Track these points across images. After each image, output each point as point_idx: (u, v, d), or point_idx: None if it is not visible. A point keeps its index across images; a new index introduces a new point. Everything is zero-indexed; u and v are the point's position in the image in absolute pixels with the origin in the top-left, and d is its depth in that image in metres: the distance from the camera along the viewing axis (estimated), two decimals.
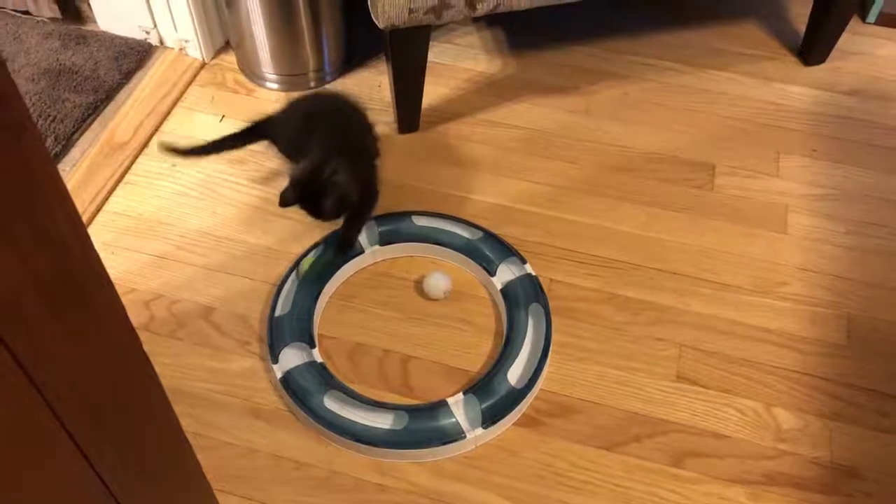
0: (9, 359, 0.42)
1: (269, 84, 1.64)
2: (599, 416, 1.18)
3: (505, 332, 1.26)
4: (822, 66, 1.73)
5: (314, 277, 1.30)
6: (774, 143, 1.57)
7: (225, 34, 1.70)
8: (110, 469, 0.54)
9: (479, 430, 1.14)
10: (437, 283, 1.30)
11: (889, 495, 1.11)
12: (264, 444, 1.14)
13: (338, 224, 1.31)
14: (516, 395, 1.17)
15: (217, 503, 0.87)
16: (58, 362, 0.46)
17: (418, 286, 1.33)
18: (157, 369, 0.60)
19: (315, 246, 1.34)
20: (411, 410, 1.16)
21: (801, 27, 1.75)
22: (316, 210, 1.25)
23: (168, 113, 1.58)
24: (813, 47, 1.71)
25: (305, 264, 1.31)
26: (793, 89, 1.68)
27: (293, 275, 1.30)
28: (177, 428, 0.66)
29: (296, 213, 1.42)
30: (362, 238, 1.34)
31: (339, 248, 1.32)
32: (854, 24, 1.79)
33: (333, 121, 1.38)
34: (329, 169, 1.24)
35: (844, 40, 1.72)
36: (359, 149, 1.35)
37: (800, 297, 1.33)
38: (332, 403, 1.16)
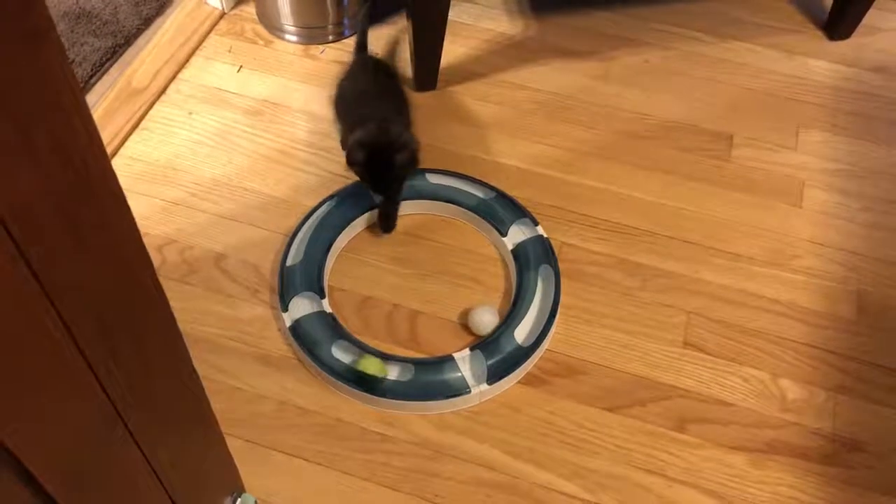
0: (25, 269, 0.42)
1: (287, 36, 1.63)
2: (604, 379, 1.19)
3: (514, 291, 1.26)
4: (846, 41, 1.71)
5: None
6: (794, 116, 1.56)
7: None
8: (119, 389, 0.55)
9: (484, 386, 1.14)
10: (483, 318, 1.21)
11: (890, 468, 1.12)
12: (271, 391, 1.16)
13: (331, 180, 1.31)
14: (522, 354, 1.18)
15: (224, 444, 0.88)
16: (72, 277, 0.47)
17: (430, 244, 1.33)
18: None
19: (329, 198, 1.34)
20: (418, 363, 1.17)
21: (828, 1, 1.72)
22: (387, 168, 1.23)
23: (186, 61, 1.57)
24: (839, 22, 1.69)
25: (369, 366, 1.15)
26: (816, 63, 1.66)
27: (303, 227, 1.30)
28: (186, 360, 0.66)
29: (309, 164, 1.42)
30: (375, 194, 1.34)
31: (386, 228, 1.34)
32: None
33: (388, 86, 1.40)
34: (395, 128, 1.26)
35: (871, 16, 1.69)
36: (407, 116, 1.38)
37: (812, 271, 1.32)
38: (339, 353, 1.17)
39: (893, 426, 1.16)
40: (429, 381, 1.15)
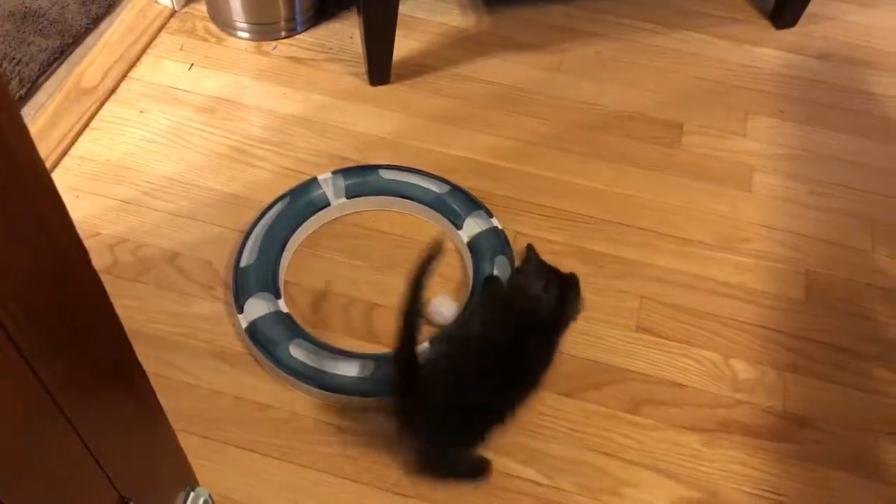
0: None
1: (239, 33, 1.62)
2: (560, 364, 1.19)
3: (471, 284, 1.26)
4: (792, 29, 1.74)
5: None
6: (743, 103, 1.59)
7: None
8: (57, 381, 0.54)
9: None
10: (441, 308, 1.21)
11: (838, 443, 1.14)
12: (227, 387, 1.15)
13: (297, 177, 1.30)
14: None
15: (175, 438, 0.88)
16: (1, 265, 0.46)
17: (386, 237, 1.33)
18: (121, 312, 0.60)
19: (281, 198, 1.33)
20: (377, 358, 1.17)
21: None
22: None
23: (137, 60, 1.56)
24: (784, 11, 1.72)
25: None
26: (763, 52, 1.69)
27: (256, 227, 1.29)
28: (128, 352, 0.66)
29: (263, 160, 1.42)
30: (328, 191, 1.34)
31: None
32: None
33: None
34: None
35: (815, 5, 1.73)
36: None
37: (761, 254, 1.35)
38: (297, 352, 1.16)
39: (842, 402, 1.19)
40: (390, 375, 1.14)
